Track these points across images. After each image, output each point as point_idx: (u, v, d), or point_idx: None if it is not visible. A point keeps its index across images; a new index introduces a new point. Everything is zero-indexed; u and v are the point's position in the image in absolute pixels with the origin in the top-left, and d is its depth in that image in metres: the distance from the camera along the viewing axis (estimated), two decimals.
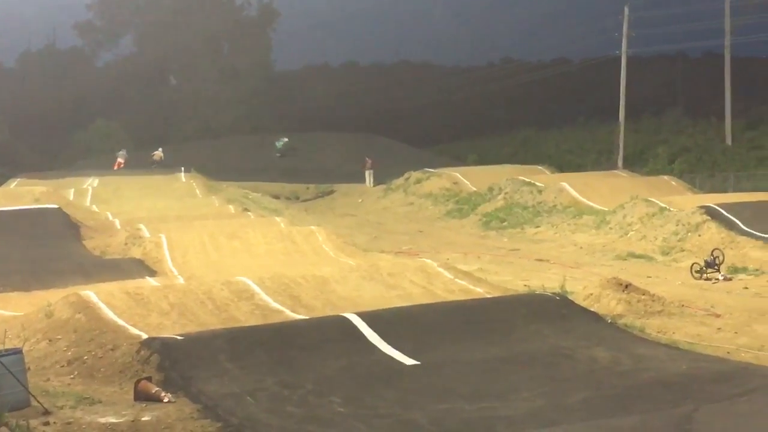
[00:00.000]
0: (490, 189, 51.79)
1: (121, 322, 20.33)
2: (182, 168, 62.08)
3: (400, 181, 58.37)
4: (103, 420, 14.95)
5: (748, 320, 23.69)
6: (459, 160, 71.19)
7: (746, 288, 28.90)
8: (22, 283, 28.02)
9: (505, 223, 45.72)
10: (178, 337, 19.12)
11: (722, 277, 30.12)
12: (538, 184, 49.67)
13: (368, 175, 62.10)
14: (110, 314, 20.74)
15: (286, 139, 71.93)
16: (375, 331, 19.95)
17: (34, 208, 41.04)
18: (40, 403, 15.15)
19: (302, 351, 18.86)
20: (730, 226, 35.40)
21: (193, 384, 16.99)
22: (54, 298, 22.51)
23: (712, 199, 40.48)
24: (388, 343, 19.43)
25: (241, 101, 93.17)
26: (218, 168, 65.48)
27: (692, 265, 31.13)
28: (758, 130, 66.14)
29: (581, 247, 38.65)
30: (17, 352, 15.84)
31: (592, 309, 23.47)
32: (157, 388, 16.38)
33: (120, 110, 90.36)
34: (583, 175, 56.58)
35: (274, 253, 32.60)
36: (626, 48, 67.12)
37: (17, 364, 15.40)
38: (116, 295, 22.14)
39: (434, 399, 16.34)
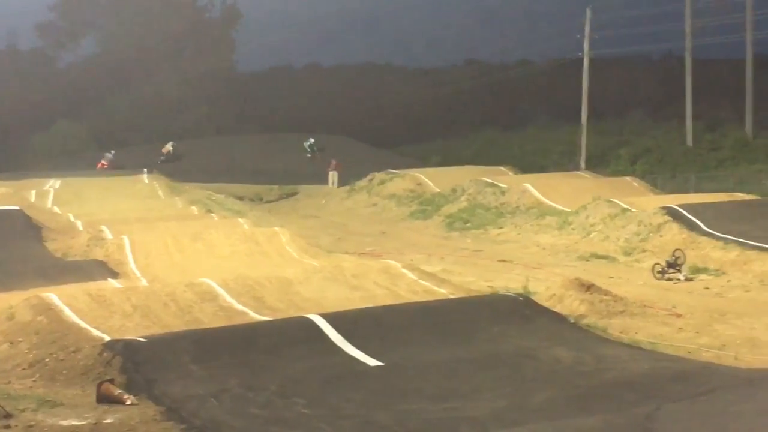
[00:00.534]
0: (454, 190, 51.83)
1: (83, 324, 20.21)
2: (145, 169, 61.79)
3: (363, 182, 58.32)
4: (65, 423, 14.87)
5: (709, 320, 23.90)
6: (422, 161, 71.26)
7: (707, 288, 29.13)
8: None
9: (468, 224, 45.79)
10: (141, 339, 19.05)
11: (683, 278, 30.33)
12: (501, 185, 49.77)
13: (332, 177, 62.05)
14: (72, 316, 20.62)
15: (312, 140, 70.44)
16: (339, 332, 19.96)
17: None
18: (1, 407, 15.04)
19: (266, 353, 18.85)
20: (692, 226, 35.62)
21: (157, 386, 16.93)
22: (15, 300, 22.35)
23: (674, 200, 40.71)
24: (352, 344, 19.44)
25: (204, 103, 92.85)
26: (181, 169, 65.24)
27: (654, 265, 31.33)
28: (718, 132, 66.62)
29: (544, 248, 38.77)
30: None
31: (555, 309, 23.56)
32: (120, 391, 16.31)
33: (82, 112, 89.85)
34: (546, 176, 56.75)
35: (238, 255, 32.50)
36: (589, 50, 67.44)
37: None
38: (78, 297, 22.01)
39: (398, 400, 16.36)
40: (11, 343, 19.69)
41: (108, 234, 35.17)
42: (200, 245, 33.38)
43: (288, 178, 63.95)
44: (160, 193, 54.20)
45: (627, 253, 35.83)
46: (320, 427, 15.04)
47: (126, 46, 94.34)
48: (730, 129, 65.79)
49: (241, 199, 57.44)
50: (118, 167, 67.51)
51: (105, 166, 68.29)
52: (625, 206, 40.17)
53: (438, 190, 53.68)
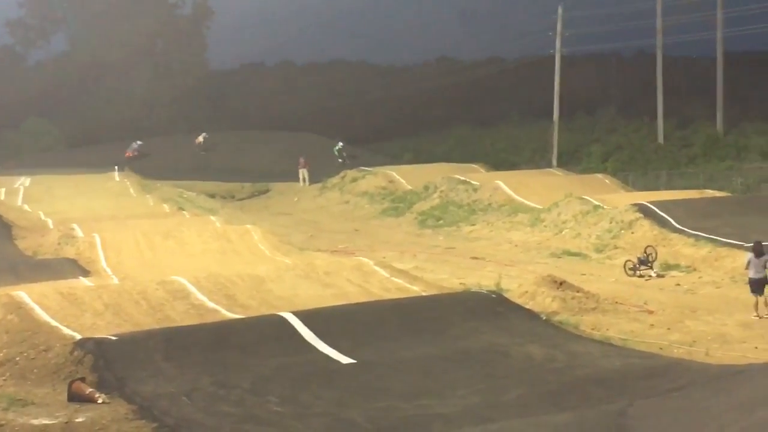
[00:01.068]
0: (426, 187, 51.86)
1: (54, 322, 20.12)
2: (116, 167, 61.51)
3: (335, 179, 58.27)
4: (36, 421, 14.79)
5: (681, 316, 24.04)
6: (394, 158, 71.11)
7: (678, 285, 29.30)
8: None
9: (440, 222, 45.84)
10: (113, 338, 18.97)
11: (655, 274, 30.50)
12: (473, 182, 49.84)
13: (302, 175, 61.92)
14: (43, 315, 20.52)
15: (341, 143, 69.56)
16: (311, 329, 19.95)
17: None
18: None
19: (238, 350, 18.81)
20: (663, 223, 35.78)
21: (128, 384, 16.87)
22: None
23: (645, 197, 40.89)
24: (325, 342, 19.44)
25: (176, 100, 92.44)
26: (153, 167, 64.97)
27: (626, 262, 31.46)
28: (689, 129, 66.80)
29: (516, 245, 38.85)
30: None
31: (527, 306, 23.64)
32: (91, 389, 16.24)
33: (53, 109, 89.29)
34: (518, 173, 56.88)
35: (210, 253, 32.43)
36: (560, 47, 67.57)
37: None
38: (49, 296, 21.90)
39: (370, 397, 16.36)
40: None
41: (79, 232, 35.02)
42: (172, 243, 33.31)
43: (260, 176, 63.79)
44: (132, 190, 54.03)
45: (599, 250, 35.94)
46: (292, 425, 15.02)
47: (97, 43, 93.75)
48: (701, 126, 66.01)
49: (212, 196, 57.29)
50: (144, 156, 69.55)
51: (132, 155, 69.77)
52: (596, 203, 40.31)
53: (410, 187, 53.68)
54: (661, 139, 65.46)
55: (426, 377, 17.71)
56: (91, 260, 31.28)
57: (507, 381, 17.39)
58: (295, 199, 57.67)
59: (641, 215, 36.85)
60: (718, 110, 63.89)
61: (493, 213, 44.93)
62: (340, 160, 65.35)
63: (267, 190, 61.76)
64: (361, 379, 17.60)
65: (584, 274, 31.07)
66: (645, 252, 31.45)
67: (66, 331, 19.59)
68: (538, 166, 62.94)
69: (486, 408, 15.67)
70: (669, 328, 22.63)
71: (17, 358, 18.51)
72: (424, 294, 24.40)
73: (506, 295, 24.36)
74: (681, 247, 33.50)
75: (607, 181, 52.00)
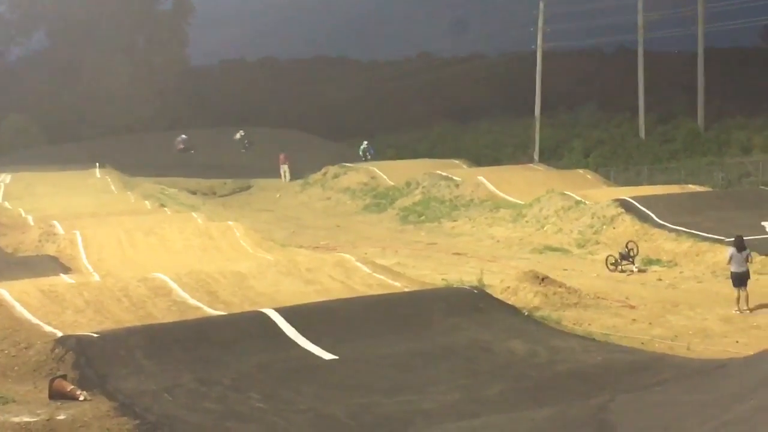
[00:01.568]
0: (408, 183, 51.86)
1: (35, 320, 20.07)
2: (97, 164, 61.29)
3: (317, 175, 58.21)
4: (17, 419, 14.73)
5: (662, 311, 24.12)
6: (377, 154, 71.17)
7: (660, 279, 29.38)
8: None
9: (422, 218, 45.84)
10: (94, 335, 18.92)
11: (636, 269, 30.58)
12: (455, 178, 49.86)
13: (283, 171, 61.80)
14: (24, 312, 20.46)
15: (366, 143, 68.80)
16: (293, 326, 19.94)
17: None
18: None
19: (220, 347, 18.79)
20: (644, 218, 35.87)
21: (110, 382, 16.83)
22: None
23: (627, 192, 40.96)
24: (307, 338, 19.43)
25: (157, 96, 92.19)
26: (134, 163, 64.73)
27: (607, 257, 31.54)
28: (670, 124, 67.06)
29: (498, 241, 38.89)
30: None
31: (509, 302, 23.67)
32: (73, 386, 16.19)
33: (33, 106, 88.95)
34: (500, 168, 56.87)
35: (192, 249, 32.35)
36: (542, 43, 67.67)
37: None
38: (30, 293, 21.83)
39: (352, 393, 16.37)
40: None
41: (60, 229, 34.89)
42: (153, 240, 33.21)
43: (241, 172, 63.67)
44: (113, 187, 53.84)
45: (580, 246, 36.01)
46: (274, 421, 15.01)
47: (77, 39, 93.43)
48: (682, 121, 66.28)
49: (194, 193, 57.13)
50: (188, 150, 72.46)
51: (181, 148, 72.68)
52: (578, 198, 40.36)
53: (392, 183, 53.66)
54: (642, 135, 65.73)
55: (408, 373, 17.72)
56: (72, 257, 31.16)
57: (489, 376, 17.42)
58: (277, 195, 57.58)
59: (623, 210, 36.92)
60: (699, 106, 64.20)
61: (475, 209, 44.94)
62: (363, 159, 64.63)
63: (249, 187, 61.60)
64: (342, 375, 17.60)
65: (566, 270, 31.11)
66: (626, 247, 31.53)
67: (47, 328, 19.54)
68: (520, 162, 62.99)
69: (468, 403, 15.69)
70: (650, 323, 22.70)
71: None
72: (406, 290, 24.41)
73: (488, 290, 24.38)
74: (662, 242, 33.59)
75: (588, 176, 52.05)
